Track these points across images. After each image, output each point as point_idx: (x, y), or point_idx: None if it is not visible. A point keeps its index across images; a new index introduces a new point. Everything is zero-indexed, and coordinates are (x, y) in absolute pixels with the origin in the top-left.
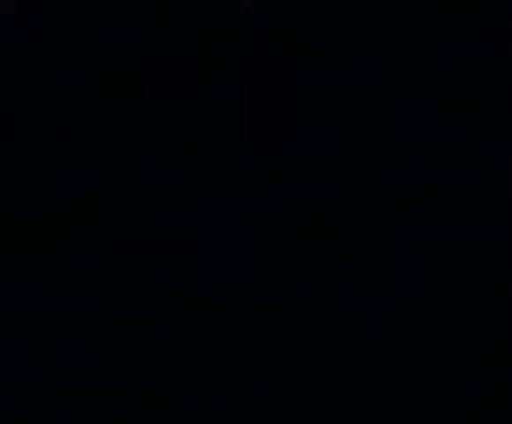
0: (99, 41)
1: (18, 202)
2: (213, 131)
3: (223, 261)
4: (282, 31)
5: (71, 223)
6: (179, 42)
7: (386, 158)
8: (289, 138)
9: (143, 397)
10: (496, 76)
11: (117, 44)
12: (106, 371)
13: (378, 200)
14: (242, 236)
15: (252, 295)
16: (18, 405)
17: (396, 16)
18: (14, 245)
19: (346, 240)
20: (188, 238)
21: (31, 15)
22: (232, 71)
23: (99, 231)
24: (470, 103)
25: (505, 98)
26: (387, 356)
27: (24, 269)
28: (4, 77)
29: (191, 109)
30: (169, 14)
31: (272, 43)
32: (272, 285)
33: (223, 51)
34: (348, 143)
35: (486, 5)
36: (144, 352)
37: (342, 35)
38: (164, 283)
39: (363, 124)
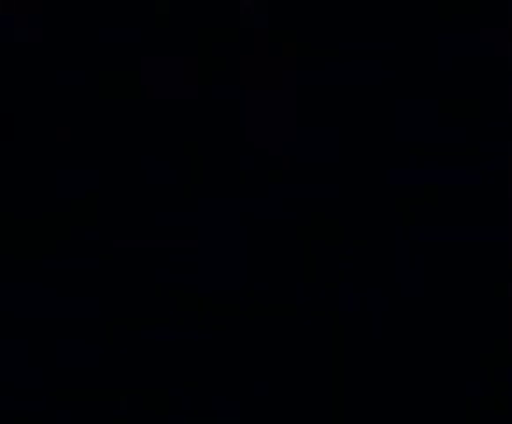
0: (99, 41)
1: (19, 202)
2: (213, 131)
3: (223, 261)
4: (282, 31)
5: (71, 223)
6: (179, 42)
7: (386, 158)
8: (289, 138)
9: (143, 397)
10: (496, 76)
11: (117, 44)
12: (106, 371)
13: (378, 200)
14: (242, 236)
15: (252, 295)
16: (18, 405)
17: (396, 16)
18: (14, 245)
19: (346, 240)
20: (188, 238)
21: (31, 15)
22: (232, 71)
23: (99, 231)
24: (470, 103)
25: (505, 98)
26: (387, 356)
27: (24, 269)
28: (4, 77)
29: (191, 109)
30: (169, 14)
31: (272, 43)
32: (272, 285)
33: (223, 51)
34: (348, 143)
35: (486, 5)
36: (144, 352)
37: (342, 35)
38: (164, 283)
39: (363, 124)
